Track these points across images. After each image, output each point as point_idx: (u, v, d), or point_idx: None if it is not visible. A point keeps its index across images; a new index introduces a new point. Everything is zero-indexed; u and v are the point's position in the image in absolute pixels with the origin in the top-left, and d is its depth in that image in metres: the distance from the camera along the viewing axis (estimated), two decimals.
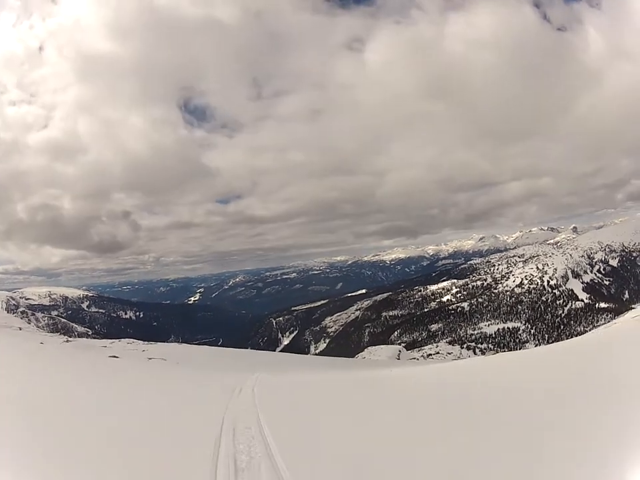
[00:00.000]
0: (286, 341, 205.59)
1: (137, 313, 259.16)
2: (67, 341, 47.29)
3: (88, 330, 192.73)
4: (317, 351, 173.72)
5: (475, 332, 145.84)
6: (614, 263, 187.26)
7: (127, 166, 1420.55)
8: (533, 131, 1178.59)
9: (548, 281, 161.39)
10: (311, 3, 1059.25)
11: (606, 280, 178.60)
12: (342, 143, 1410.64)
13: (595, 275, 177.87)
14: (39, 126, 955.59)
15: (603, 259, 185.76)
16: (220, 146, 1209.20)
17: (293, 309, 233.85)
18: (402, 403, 11.31)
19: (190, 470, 5.90)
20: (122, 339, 57.59)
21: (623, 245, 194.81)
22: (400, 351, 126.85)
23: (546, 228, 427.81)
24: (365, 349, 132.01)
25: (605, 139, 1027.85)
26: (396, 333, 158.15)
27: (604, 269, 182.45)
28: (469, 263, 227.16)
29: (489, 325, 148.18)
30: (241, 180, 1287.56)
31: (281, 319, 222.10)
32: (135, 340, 57.53)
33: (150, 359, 33.02)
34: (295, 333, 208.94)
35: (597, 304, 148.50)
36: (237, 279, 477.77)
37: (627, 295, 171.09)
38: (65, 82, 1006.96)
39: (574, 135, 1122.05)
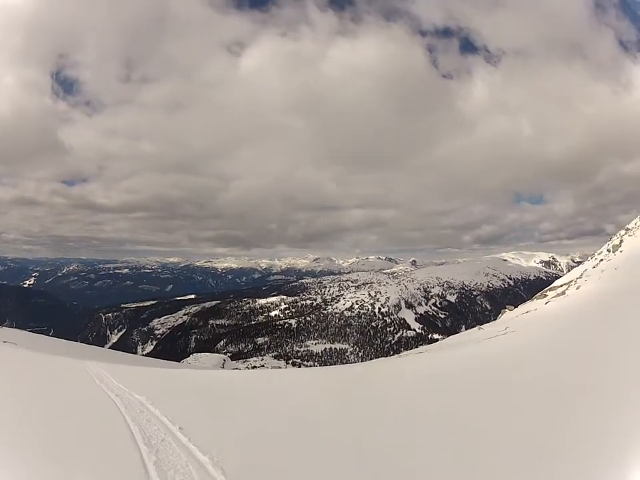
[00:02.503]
0: (114, 339, 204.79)
1: None
2: None
3: None
4: (144, 352, 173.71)
5: (302, 349, 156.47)
6: (452, 298, 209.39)
7: None
8: (388, 163, 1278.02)
9: (379, 308, 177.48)
10: None
11: (442, 313, 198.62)
12: (195, 141, 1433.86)
13: (430, 307, 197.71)
14: None
15: (440, 293, 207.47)
16: (78, 123, 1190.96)
17: (122, 306, 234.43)
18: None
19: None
20: None
21: (464, 283, 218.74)
22: (225, 360, 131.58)
23: (384, 258, 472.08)
24: (191, 355, 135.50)
25: (462, 183, 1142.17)
26: (222, 342, 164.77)
27: (440, 303, 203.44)
28: (300, 281, 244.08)
29: (315, 344, 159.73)
30: (90, 162, 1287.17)
31: (110, 315, 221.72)
32: None
33: (4, 342, 36.08)
34: (123, 332, 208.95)
35: (430, 334, 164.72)
36: (71, 267, 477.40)
37: (462, 329, 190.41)
38: None
39: (430, 174, 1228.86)
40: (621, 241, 35.05)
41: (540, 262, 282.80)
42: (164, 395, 12.18)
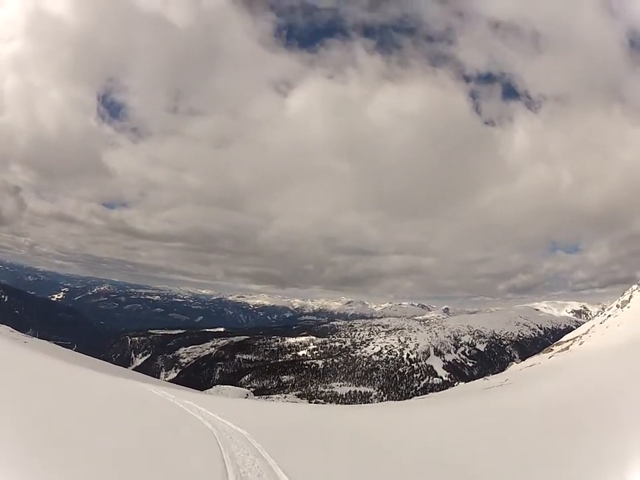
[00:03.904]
0: (138, 362, 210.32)
1: (2, 297, 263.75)
2: None
3: None
4: (167, 379, 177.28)
5: (326, 390, 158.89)
6: (481, 347, 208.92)
7: (33, 139, 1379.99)
8: (430, 210, 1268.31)
9: (408, 354, 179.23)
10: (259, 32, 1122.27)
11: (470, 362, 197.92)
12: (239, 177, 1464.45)
13: (459, 355, 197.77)
14: None
15: (470, 342, 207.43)
16: (123, 148, 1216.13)
17: (150, 331, 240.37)
18: None
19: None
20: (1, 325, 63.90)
21: (494, 332, 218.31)
22: (247, 395, 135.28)
23: (417, 304, 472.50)
24: (214, 386, 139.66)
25: (500, 232, 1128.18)
26: (247, 376, 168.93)
27: (469, 352, 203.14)
28: (331, 323, 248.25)
29: (340, 386, 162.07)
30: (132, 188, 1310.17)
31: (136, 338, 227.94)
32: (12, 329, 63.98)
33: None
34: (147, 356, 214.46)
35: (457, 382, 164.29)
36: (102, 288, 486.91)
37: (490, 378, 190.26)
38: (13, 32, 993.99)
39: (470, 223, 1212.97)
40: (630, 297, 38.54)
41: (571, 311, 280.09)
42: (204, 402, 19.77)
